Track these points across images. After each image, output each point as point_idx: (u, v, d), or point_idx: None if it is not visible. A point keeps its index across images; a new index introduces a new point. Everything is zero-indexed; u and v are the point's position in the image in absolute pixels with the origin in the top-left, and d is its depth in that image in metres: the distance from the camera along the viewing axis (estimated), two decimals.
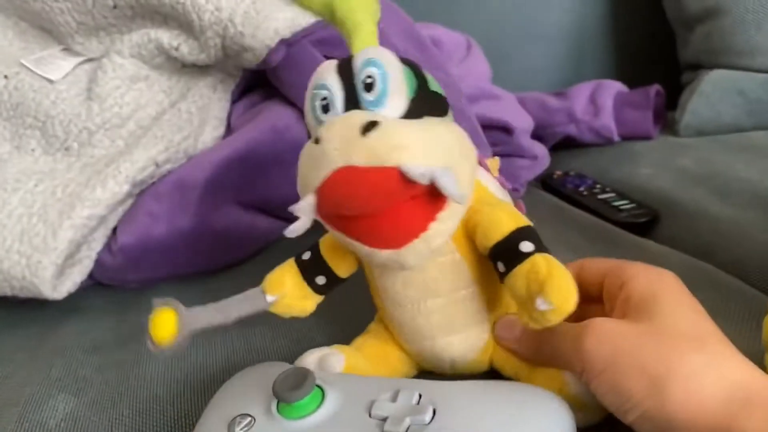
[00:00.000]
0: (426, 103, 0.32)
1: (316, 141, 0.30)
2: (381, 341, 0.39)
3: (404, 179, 0.28)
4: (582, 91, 0.92)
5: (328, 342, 0.40)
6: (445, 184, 0.28)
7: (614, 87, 0.92)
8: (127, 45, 0.59)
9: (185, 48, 0.58)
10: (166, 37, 0.58)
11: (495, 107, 0.72)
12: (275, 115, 0.59)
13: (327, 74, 0.32)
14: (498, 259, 0.31)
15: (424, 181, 0.28)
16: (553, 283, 0.28)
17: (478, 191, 0.34)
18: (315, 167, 0.30)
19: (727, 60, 0.89)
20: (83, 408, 0.42)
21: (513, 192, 0.75)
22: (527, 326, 0.30)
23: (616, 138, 0.90)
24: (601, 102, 0.89)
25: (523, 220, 0.32)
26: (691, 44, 0.96)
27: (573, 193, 0.75)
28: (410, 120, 0.31)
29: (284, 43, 0.55)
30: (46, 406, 0.42)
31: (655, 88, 0.91)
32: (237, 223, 0.58)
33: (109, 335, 0.51)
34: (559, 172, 0.82)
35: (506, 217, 0.32)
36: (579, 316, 0.30)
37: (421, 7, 0.98)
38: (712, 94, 0.88)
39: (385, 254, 0.32)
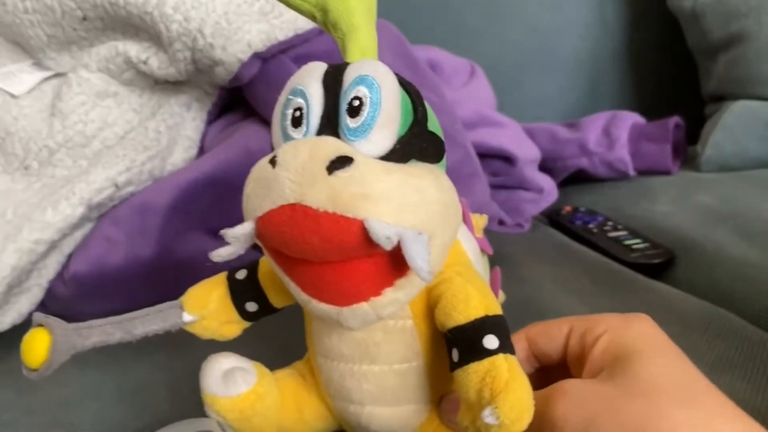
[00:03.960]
0: (418, 145, 0.26)
1: (272, 162, 0.25)
2: (302, 385, 0.34)
3: (366, 237, 0.23)
4: (595, 122, 0.87)
5: None
6: (414, 256, 0.23)
7: (630, 118, 0.87)
8: (95, 59, 0.55)
9: (154, 61, 0.54)
10: (134, 49, 0.54)
11: (496, 135, 0.67)
12: (249, 136, 0.54)
13: (309, 79, 0.27)
14: (454, 345, 0.26)
15: (388, 247, 0.23)
16: (509, 397, 0.23)
17: (453, 254, 0.29)
18: (263, 194, 0.25)
19: (752, 90, 0.84)
20: None
21: (516, 227, 0.70)
22: (466, 429, 0.25)
23: (632, 172, 0.84)
24: (615, 134, 0.84)
25: (495, 306, 0.27)
26: (714, 74, 0.91)
27: (582, 230, 0.69)
28: (392, 164, 0.25)
29: (258, 57, 0.51)
30: None
31: (674, 120, 0.85)
32: (203, 251, 0.52)
33: (49, 374, 0.46)
34: (568, 208, 0.77)
35: (477, 298, 0.27)
36: (541, 384, 0.27)
37: (427, 32, 0.95)
38: (736, 126, 0.82)
39: (324, 308, 0.27)
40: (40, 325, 0.30)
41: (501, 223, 0.68)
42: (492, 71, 0.84)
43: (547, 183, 0.72)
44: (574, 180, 0.87)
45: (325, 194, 0.24)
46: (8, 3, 0.57)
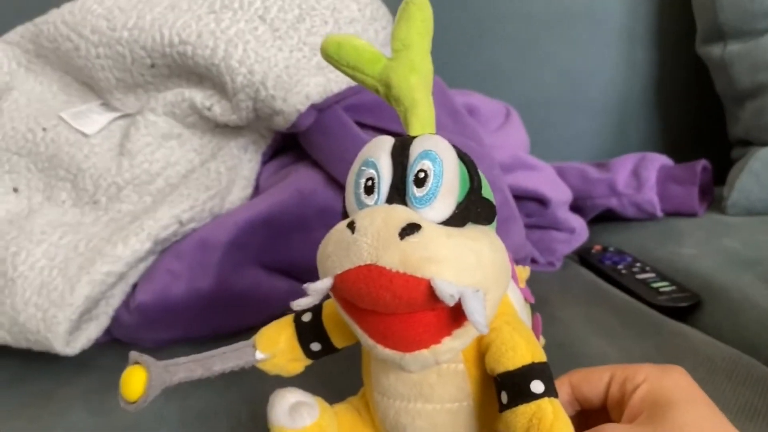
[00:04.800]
0: (473, 210, 0.30)
1: (351, 226, 0.29)
2: (357, 419, 0.37)
3: (431, 294, 0.27)
4: (625, 163, 0.89)
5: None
6: (472, 311, 0.27)
7: (659, 160, 0.89)
8: (161, 103, 0.59)
9: (218, 108, 0.58)
10: (199, 96, 0.58)
11: (531, 178, 0.70)
12: (302, 179, 0.58)
13: (380, 153, 0.31)
14: (504, 389, 0.30)
15: (451, 303, 0.27)
16: None
17: (501, 305, 0.32)
18: (342, 254, 0.29)
19: None
20: None
21: (548, 266, 0.73)
22: None
23: (659, 214, 0.86)
24: (644, 175, 0.86)
25: (540, 354, 0.30)
26: (741, 120, 0.93)
27: (611, 270, 0.72)
28: (452, 228, 0.29)
29: (315, 107, 0.55)
30: None
31: (701, 163, 0.87)
32: (258, 285, 0.57)
33: (116, 397, 0.49)
34: (598, 247, 0.79)
35: (524, 346, 0.30)
36: (582, 426, 0.29)
37: (462, 74, 0.99)
38: (762, 172, 0.84)
39: (388, 353, 0.30)
40: (137, 363, 0.33)
41: (533, 261, 0.71)
42: (524, 111, 0.87)
43: (579, 223, 0.75)
44: (602, 219, 0.89)
45: (397, 257, 0.27)
46: (82, 48, 0.62)
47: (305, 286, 0.30)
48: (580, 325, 0.58)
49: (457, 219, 0.30)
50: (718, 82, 0.96)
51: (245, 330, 0.58)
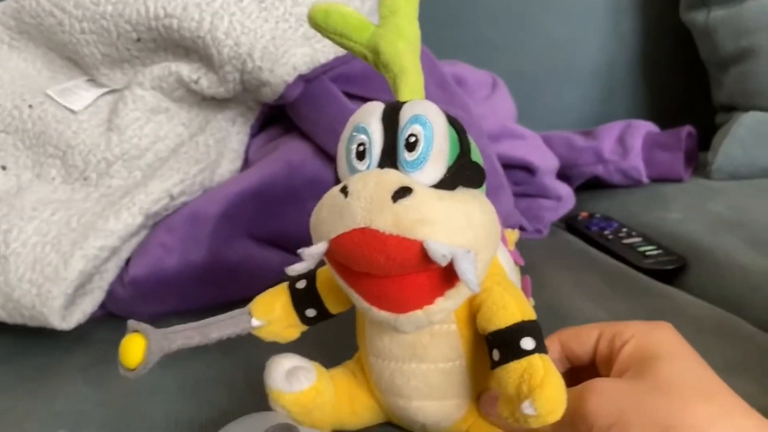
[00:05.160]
0: (463, 173, 0.31)
1: (344, 191, 0.29)
2: (353, 382, 0.38)
3: (424, 255, 0.28)
4: (611, 131, 0.90)
5: None
6: (464, 270, 0.27)
7: (644, 127, 0.90)
8: (149, 77, 0.59)
9: (205, 81, 0.58)
10: (186, 70, 0.58)
11: (518, 147, 0.71)
12: (291, 150, 0.58)
13: (370, 118, 0.31)
14: (495, 347, 0.30)
15: (444, 264, 0.27)
16: (545, 392, 0.27)
17: (491, 267, 0.33)
18: (336, 219, 0.29)
19: (762, 102, 0.87)
20: None
21: (535, 233, 0.74)
22: (506, 420, 0.29)
23: (645, 180, 0.87)
24: (630, 142, 0.87)
25: (530, 312, 0.31)
26: (725, 85, 0.94)
27: (598, 236, 0.73)
28: (443, 191, 0.30)
29: (302, 78, 0.55)
30: None
31: (686, 129, 0.88)
32: (250, 257, 0.57)
33: (113, 369, 0.50)
34: (584, 214, 0.80)
35: (514, 305, 0.31)
36: (572, 383, 0.30)
37: (449, 45, 0.99)
38: (746, 136, 0.85)
39: (383, 314, 0.31)
40: (136, 331, 0.34)
41: (521, 229, 0.72)
42: (511, 82, 0.87)
43: (565, 191, 0.76)
44: (589, 186, 0.90)
45: (390, 220, 0.28)
46: (65, 24, 0.62)
47: (300, 251, 0.30)
48: (569, 289, 0.59)
49: (448, 182, 0.30)
50: (702, 49, 0.97)
51: (238, 302, 0.58)
